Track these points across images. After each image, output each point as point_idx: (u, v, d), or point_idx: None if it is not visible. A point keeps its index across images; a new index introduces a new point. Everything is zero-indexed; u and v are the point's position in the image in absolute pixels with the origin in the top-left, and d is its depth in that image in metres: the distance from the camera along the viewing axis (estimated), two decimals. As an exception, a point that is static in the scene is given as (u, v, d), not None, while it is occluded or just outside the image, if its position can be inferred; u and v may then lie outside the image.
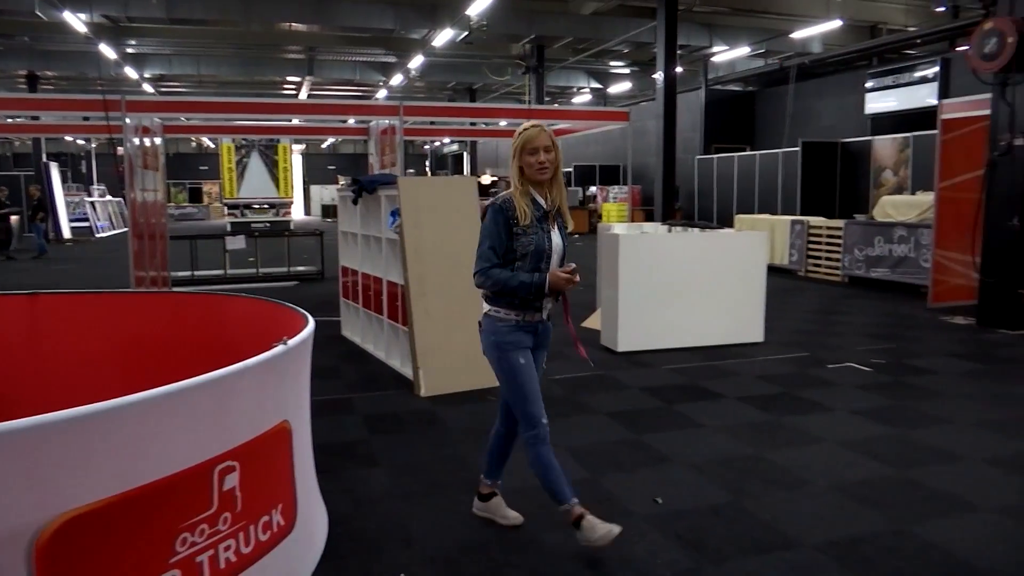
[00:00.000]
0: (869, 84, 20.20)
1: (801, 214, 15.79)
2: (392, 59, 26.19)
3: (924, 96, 18.35)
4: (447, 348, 5.90)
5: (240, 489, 2.45)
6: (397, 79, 27.23)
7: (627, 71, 28.75)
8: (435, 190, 6.37)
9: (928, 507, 3.83)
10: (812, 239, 13.18)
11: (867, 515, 3.71)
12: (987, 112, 8.66)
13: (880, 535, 3.51)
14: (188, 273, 13.14)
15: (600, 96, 31.92)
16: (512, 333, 3.22)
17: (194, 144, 48.07)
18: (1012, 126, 8.21)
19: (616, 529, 3.21)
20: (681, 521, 3.66)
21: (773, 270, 13.48)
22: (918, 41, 20.37)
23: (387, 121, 10.57)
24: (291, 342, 2.75)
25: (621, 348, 7.21)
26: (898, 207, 11.88)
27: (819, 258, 13.03)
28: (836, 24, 19.21)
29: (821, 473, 4.28)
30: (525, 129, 3.21)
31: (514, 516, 3.59)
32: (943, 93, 17.36)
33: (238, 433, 2.47)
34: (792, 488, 4.08)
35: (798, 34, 20.75)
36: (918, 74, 19.35)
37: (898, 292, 11.03)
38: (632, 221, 14.81)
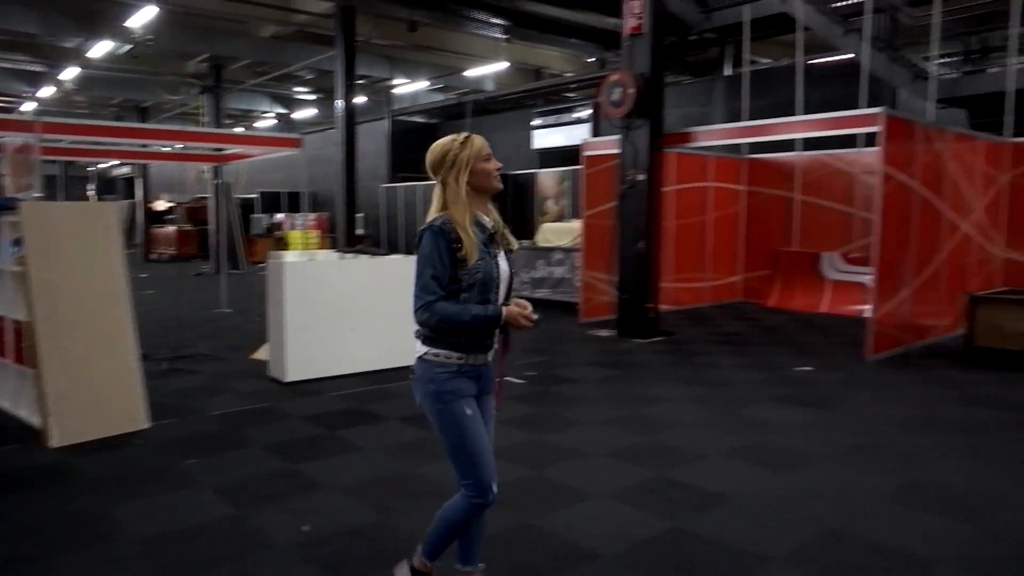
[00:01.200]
0: (536, 122, 22.21)
1: (478, 240, 16.81)
2: (40, 68, 23.25)
3: (581, 134, 20.51)
4: (84, 391, 5.35)
5: None
6: (49, 91, 24.23)
7: (312, 97, 28.53)
8: (68, 216, 5.76)
9: (552, 501, 4.28)
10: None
11: (499, 515, 4.03)
12: (618, 151, 9.97)
13: (506, 531, 3.84)
14: None
15: (285, 121, 31.28)
16: (453, 380, 2.77)
17: None
18: (635, 163, 9.56)
19: None
20: (325, 546, 3.69)
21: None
22: (574, 86, 22.91)
23: (22, 138, 9.33)
24: None
25: (289, 378, 7.08)
26: (556, 233, 13.19)
27: (492, 281, 13.96)
28: (504, 65, 20.91)
29: (465, 482, 4.57)
30: (467, 137, 2.82)
31: None
32: (595, 133, 19.66)
33: None
34: (437, 498, 4.29)
35: (471, 72, 22.22)
36: (575, 115, 21.71)
37: (558, 310, 12.18)
38: (321, 248, 14.64)
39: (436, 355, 2.75)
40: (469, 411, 2.77)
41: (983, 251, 10.42)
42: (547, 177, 17.81)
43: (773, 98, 14.64)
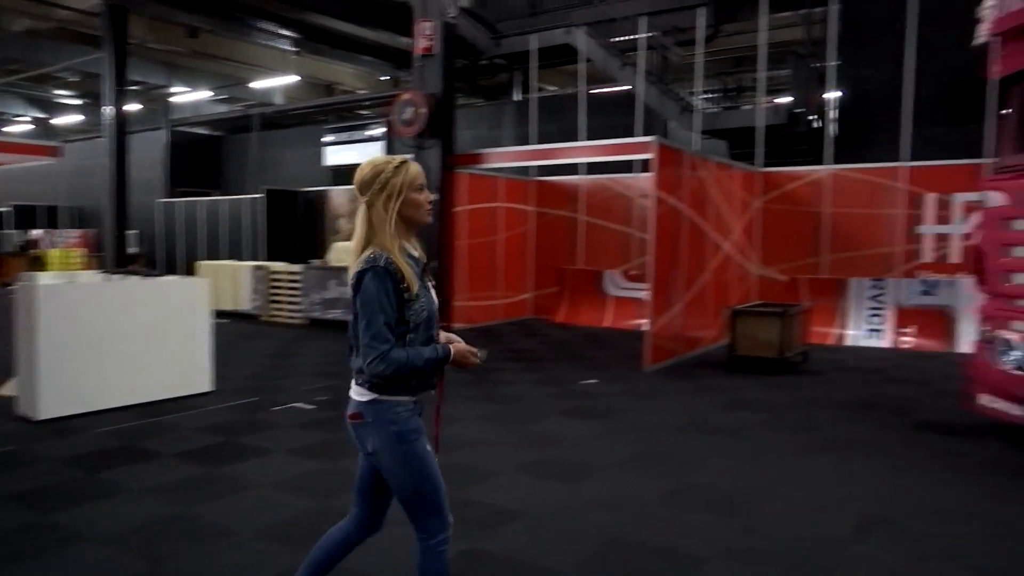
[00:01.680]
0: (328, 138, 21.70)
1: (268, 260, 16.06)
2: None
3: (375, 152, 20.38)
4: None
5: None
6: None
7: (77, 102, 25.98)
8: None
9: (343, 533, 4.10)
10: (274, 284, 13.49)
11: (285, 553, 3.81)
12: (410, 170, 9.93)
13: (293, 571, 3.62)
14: None
15: (43, 127, 28.20)
16: (413, 418, 2.62)
17: None
18: (429, 184, 9.57)
19: None
20: (80, 606, 3.27)
21: (236, 316, 13.44)
22: (367, 103, 22.69)
23: None
24: None
25: (43, 415, 6.29)
26: (349, 252, 12.89)
27: (281, 303, 13.38)
28: (294, 79, 20.26)
29: (248, 520, 4.27)
30: (403, 163, 2.63)
31: None
32: (389, 151, 19.55)
33: None
34: (215, 541, 3.98)
35: (258, 84, 21.31)
36: (368, 132, 21.48)
37: (352, 331, 11.89)
38: (86, 268, 13.26)
39: (390, 397, 2.59)
40: (429, 448, 2.65)
41: (741, 269, 11.56)
42: (340, 195, 17.39)
43: (559, 124, 15.38)
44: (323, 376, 8.50)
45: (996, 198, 5.86)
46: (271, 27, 16.50)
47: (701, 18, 13.61)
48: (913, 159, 11.11)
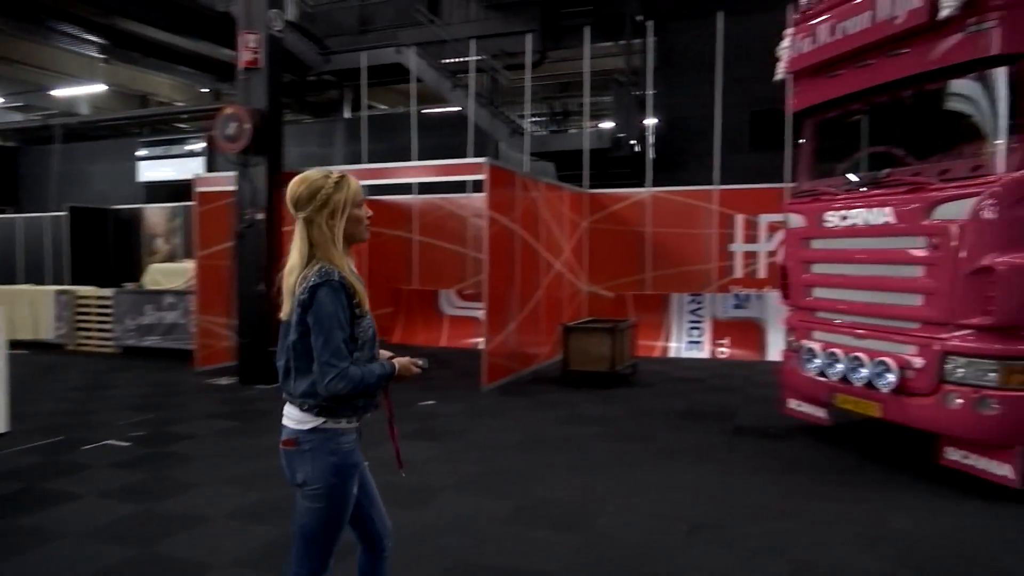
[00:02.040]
0: (142, 152, 20.30)
1: (72, 283, 14.67)
2: None
3: (194, 168, 19.25)
4: None
5: None
6: None
7: None
8: None
9: (165, 581, 3.77)
10: (81, 310, 12.34)
11: (97, 610, 3.44)
12: (235, 188, 9.46)
13: (108, 629, 3.27)
14: None
15: None
16: (355, 452, 2.55)
17: None
18: (254, 202, 9.15)
19: None
20: None
21: (37, 346, 12.17)
22: (185, 116, 21.44)
23: None
24: None
25: None
26: (166, 275, 12.07)
27: (90, 330, 12.26)
28: (101, 88, 18.78)
29: None
30: (342, 178, 2.55)
31: None
32: (210, 167, 18.54)
33: None
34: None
35: (61, 92, 19.56)
36: (188, 147, 20.31)
37: (171, 359, 11.09)
38: None
39: (337, 423, 2.51)
40: (355, 491, 2.58)
41: (572, 286, 11.95)
42: (156, 213, 16.26)
43: (391, 142, 15.28)
44: (139, 409, 7.85)
45: (796, 220, 6.42)
46: (75, 31, 15.21)
47: (529, 44, 14.02)
48: (723, 183, 11.99)
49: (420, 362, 2.70)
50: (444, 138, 15.24)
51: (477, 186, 10.36)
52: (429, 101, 17.44)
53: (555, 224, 11.13)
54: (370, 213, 2.68)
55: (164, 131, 22.45)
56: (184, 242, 15.61)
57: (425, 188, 13.41)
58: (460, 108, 15.80)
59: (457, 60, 16.13)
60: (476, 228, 12.06)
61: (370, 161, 13.82)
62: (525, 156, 14.24)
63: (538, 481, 5.45)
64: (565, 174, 14.47)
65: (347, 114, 19.70)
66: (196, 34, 15.89)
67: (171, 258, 15.35)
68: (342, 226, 2.53)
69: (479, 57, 15.02)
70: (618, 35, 15.49)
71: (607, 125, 16.76)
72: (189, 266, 11.72)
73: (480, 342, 9.74)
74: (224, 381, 9.42)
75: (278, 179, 9.36)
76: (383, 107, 21.63)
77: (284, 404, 2.58)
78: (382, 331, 12.95)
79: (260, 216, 9.13)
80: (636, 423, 7.25)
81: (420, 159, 13.10)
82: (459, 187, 13.07)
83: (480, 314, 9.90)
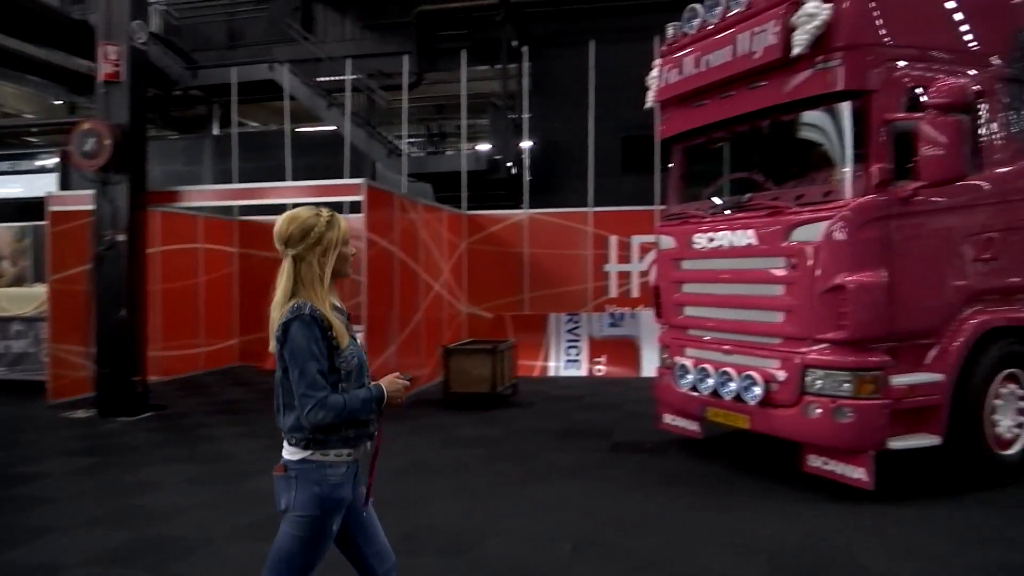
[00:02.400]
0: (-16, 168, 18.75)
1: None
2: None
3: (46, 185, 17.94)
4: None
5: None
6: None
7: None
8: None
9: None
10: (-89, 340, 11.18)
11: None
12: (93, 207, 8.88)
13: None
14: None
15: None
16: (342, 486, 2.55)
17: None
18: (114, 223, 8.62)
19: None
20: None
21: None
22: (35, 130, 20.01)
23: None
24: None
25: None
26: (14, 300, 11.14)
27: (-78, 362, 11.12)
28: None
29: None
30: (332, 216, 2.63)
31: None
32: (64, 185, 17.36)
33: None
34: None
35: None
36: (39, 163, 18.95)
37: (21, 392, 10.24)
38: None
39: (325, 455, 2.53)
40: (335, 529, 2.59)
41: (452, 307, 11.94)
42: (2, 233, 15.03)
43: (263, 161, 14.82)
44: (-19, 449, 7.19)
45: (667, 241, 6.70)
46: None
47: (405, 65, 13.99)
48: (597, 205, 12.36)
49: (403, 377, 2.70)
50: (320, 158, 14.93)
51: (354, 207, 10.20)
52: (303, 119, 17.07)
53: (434, 245, 11.11)
54: (355, 250, 2.77)
55: (12, 145, 20.82)
56: (34, 264, 14.49)
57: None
58: (336, 127, 15.55)
59: (333, 79, 15.89)
60: (354, 250, 11.82)
61: (241, 180, 13.33)
62: (403, 177, 14.17)
63: (421, 507, 5.37)
64: (443, 195, 14.51)
65: (216, 131, 18.97)
66: (48, 42, 14.87)
67: (19, 282, 14.19)
68: (332, 263, 2.61)
69: (355, 76, 14.85)
70: (494, 60, 15.74)
71: (484, 147, 16.95)
72: (40, 290, 10.89)
73: (359, 366, 9.54)
74: (81, 414, 8.78)
75: (142, 199, 8.89)
76: (255, 124, 20.98)
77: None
78: (255, 357, 12.58)
79: (121, 238, 8.61)
80: (517, 443, 7.30)
81: (295, 179, 12.76)
82: (335, 208, 12.83)
83: (359, 337, 9.72)
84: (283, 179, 12.93)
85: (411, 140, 18.41)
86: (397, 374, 2.71)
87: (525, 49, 13.80)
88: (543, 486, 5.87)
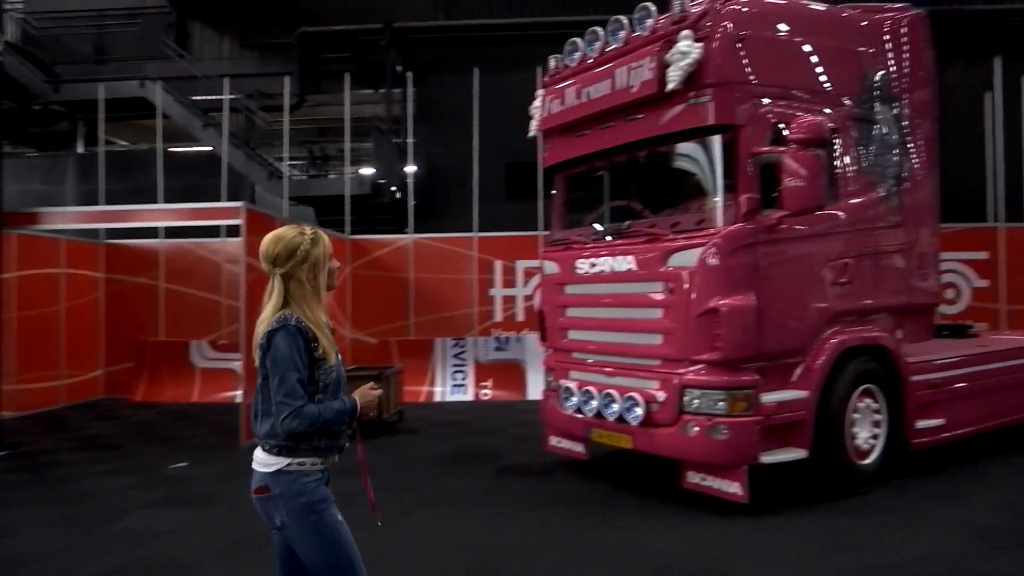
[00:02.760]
0: None
1: None
2: None
3: None
4: None
5: None
6: None
7: None
8: None
9: None
10: None
11: None
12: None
13: None
14: None
15: None
16: (320, 488, 2.63)
17: None
18: (-37, 246, 7.97)
19: None
20: None
21: None
22: None
23: None
24: None
25: None
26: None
27: None
28: None
29: None
30: (315, 233, 2.72)
31: None
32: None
33: None
34: None
35: None
36: None
37: None
38: None
39: (301, 464, 2.62)
40: (340, 516, 2.66)
41: (336, 333, 11.65)
42: None
43: (132, 182, 14.08)
44: None
45: (551, 267, 6.84)
46: None
47: (287, 86, 13.70)
48: (482, 230, 12.48)
49: (374, 387, 2.81)
50: (195, 179, 14.33)
51: (232, 230, 9.86)
52: (178, 139, 16.37)
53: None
54: (338, 263, 2.85)
55: None
56: None
57: (172, 232, 12.50)
58: (213, 148, 15.01)
59: (209, 98, 15.36)
60: (231, 274, 11.43)
61: (108, 202, 12.60)
62: (284, 201, 13.83)
63: (305, 540, 5.20)
64: (326, 220, 14.24)
65: (81, 149, 17.90)
66: None
67: None
68: (324, 278, 2.73)
69: (233, 96, 14.40)
70: (379, 84, 15.67)
71: (368, 171, 16.80)
72: None
73: (238, 395, 9.19)
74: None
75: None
76: (123, 143, 19.94)
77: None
78: (121, 388, 11.87)
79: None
80: (404, 471, 7.21)
81: (168, 201, 12.20)
82: (212, 231, 12.35)
83: (237, 366, 9.36)
84: (155, 201, 12.33)
85: (293, 163, 18.00)
86: (371, 384, 2.84)
87: (409, 74, 13.82)
88: (431, 513, 5.81)
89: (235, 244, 9.60)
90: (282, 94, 13.68)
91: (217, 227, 12.13)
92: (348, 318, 12.21)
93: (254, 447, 2.71)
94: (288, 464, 2.61)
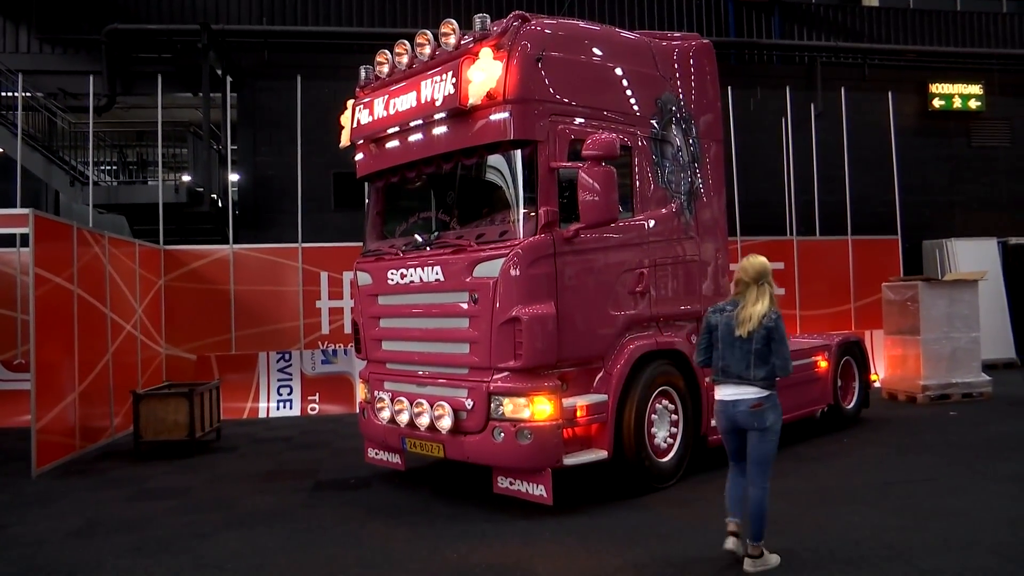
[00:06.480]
0: None
1: None
2: None
3: None
4: None
5: None
6: None
7: None
8: None
9: None
10: None
11: None
12: None
13: None
14: None
15: None
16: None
17: None
18: None
19: None
20: None
21: None
22: None
23: None
24: None
25: None
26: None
27: None
28: None
29: None
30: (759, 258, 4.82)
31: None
32: None
33: None
34: None
35: None
36: None
37: None
38: None
39: (774, 391, 4.60)
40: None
41: (149, 349, 11.01)
42: None
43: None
44: None
45: (364, 277, 6.81)
46: None
47: (91, 86, 12.74)
48: (310, 240, 12.20)
49: None
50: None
51: (27, 240, 9.06)
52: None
53: (125, 283, 10.20)
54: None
55: None
56: None
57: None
58: (3, 150, 13.72)
59: (4, 95, 14.03)
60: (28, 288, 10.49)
61: None
62: (90, 208, 12.87)
63: (92, 571, 4.88)
64: (141, 228, 13.39)
65: None
66: None
67: None
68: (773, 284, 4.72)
69: (27, 93, 13.23)
70: (196, 87, 14.92)
71: (186, 178, 15.95)
72: None
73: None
74: None
75: None
76: None
77: (726, 386, 4.61)
78: None
79: None
80: (215, 491, 6.92)
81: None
82: (8, 241, 11.30)
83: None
84: (-66, 207, 11.11)
85: (105, 168, 16.78)
86: None
87: (228, 79, 13.27)
88: (237, 534, 5.61)
89: (26, 254, 8.82)
90: (88, 94, 12.73)
91: (13, 236, 11.13)
92: (162, 333, 11.53)
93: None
94: (771, 394, 4.54)
